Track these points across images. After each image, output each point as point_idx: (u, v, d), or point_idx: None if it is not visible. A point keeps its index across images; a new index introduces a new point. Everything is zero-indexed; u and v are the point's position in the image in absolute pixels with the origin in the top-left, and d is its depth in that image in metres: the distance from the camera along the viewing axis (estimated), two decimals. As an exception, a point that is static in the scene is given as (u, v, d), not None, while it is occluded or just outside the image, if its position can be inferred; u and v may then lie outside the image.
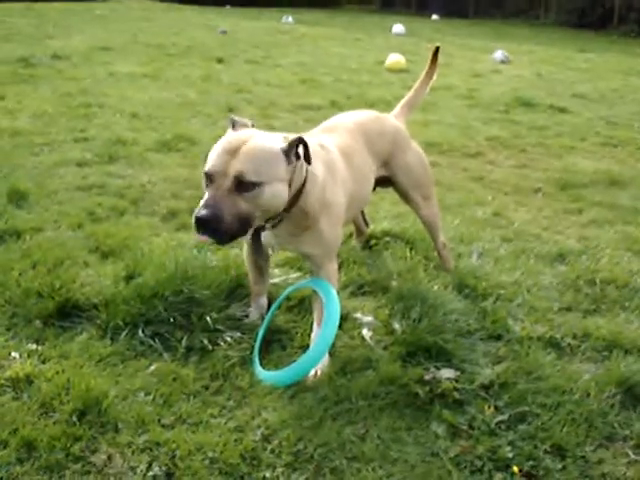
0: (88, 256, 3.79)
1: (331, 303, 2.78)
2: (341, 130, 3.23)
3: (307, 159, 2.59)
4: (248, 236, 2.70)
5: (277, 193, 2.54)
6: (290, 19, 22.14)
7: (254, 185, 2.46)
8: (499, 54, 14.25)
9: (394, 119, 3.60)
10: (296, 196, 2.69)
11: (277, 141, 2.59)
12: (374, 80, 10.70)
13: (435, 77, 3.84)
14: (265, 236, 2.85)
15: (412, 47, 15.75)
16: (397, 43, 16.85)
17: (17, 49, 11.95)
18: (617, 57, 16.71)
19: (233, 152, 2.50)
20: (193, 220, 2.45)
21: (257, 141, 2.55)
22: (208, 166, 2.53)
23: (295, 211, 2.73)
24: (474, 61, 14.02)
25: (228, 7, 29.14)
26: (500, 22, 27.71)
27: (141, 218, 4.45)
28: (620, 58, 16.49)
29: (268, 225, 2.76)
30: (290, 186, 2.62)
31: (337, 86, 10.05)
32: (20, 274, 3.42)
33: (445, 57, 13.82)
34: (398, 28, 19.74)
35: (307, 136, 2.90)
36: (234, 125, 2.70)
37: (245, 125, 2.71)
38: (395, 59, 12.07)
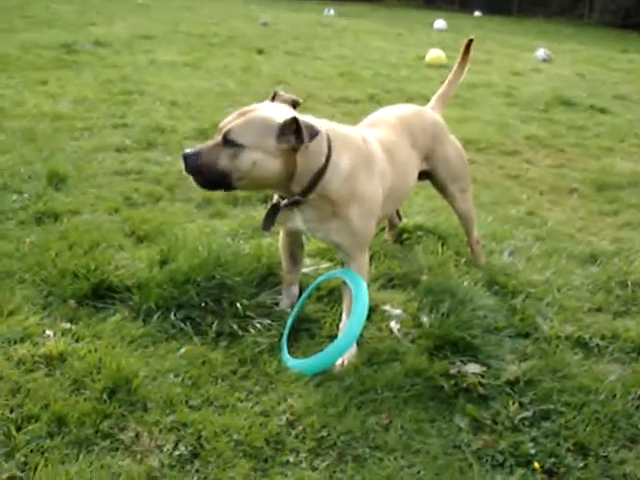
0: (123, 240, 3.87)
1: (360, 294, 2.81)
2: (384, 125, 3.27)
3: (300, 138, 2.59)
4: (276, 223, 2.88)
5: (258, 162, 2.60)
6: (332, 12, 22.12)
7: (235, 145, 2.58)
8: (541, 52, 14.10)
9: (433, 112, 3.61)
10: (313, 182, 2.74)
11: (281, 116, 2.63)
12: (413, 75, 10.67)
13: (467, 68, 3.82)
14: (295, 221, 2.90)
15: (453, 43, 15.62)
16: (438, 39, 16.74)
17: (60, 35, 12.12)
18: (662, 58, 16.43)
19: (241, 115, 2.65)
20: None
21: (261, 110, 2.68)
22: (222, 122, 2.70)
23: (315, 197, 2.77)
24: (515, 59, 13.89)
25: (270, -2, 29.18)
26: (543, 20, 27.40)
27: (176, 204, 4.51)
28: (665, 60, 16.22)
29: (283, 202, 2.82)
30: (292, 167, 2.66)
31: (376, 80, 10.04)
32: (57, 255, 3.50)
33: (486, 54, 13.81)
34: (440, 24, 19.63)
35: (342, 127, 2.94)
36: (274, 97, 2.80)
37: (285, 100, 2.78)
38: (435, 54, 12.02)
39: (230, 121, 2.65)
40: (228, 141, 2.59)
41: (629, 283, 3.72)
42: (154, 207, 4.42)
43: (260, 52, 12.16)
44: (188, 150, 2.66)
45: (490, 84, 10.19)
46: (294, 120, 2.59)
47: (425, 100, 8.64)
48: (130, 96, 7.55)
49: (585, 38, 20.42)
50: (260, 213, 4.34)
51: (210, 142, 2.66)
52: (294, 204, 2.82)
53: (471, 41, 3.75)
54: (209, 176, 2.64)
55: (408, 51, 13.83)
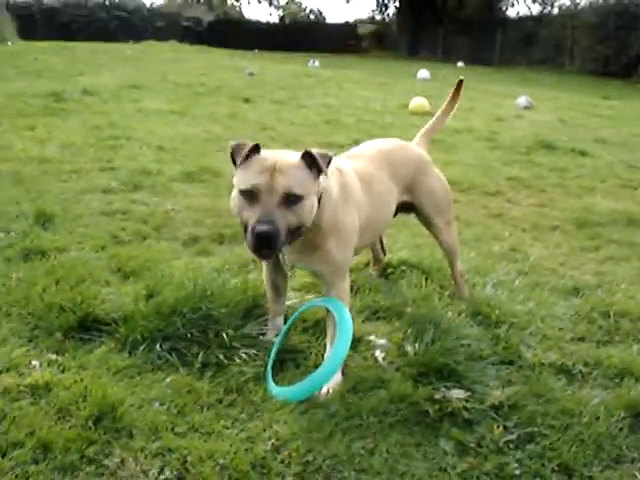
0: (110, 276, 3.89)
1: (343, 321, 2.83)
2: (362, 157, 3.34)
3: (319, 168, 2.67)
4: None
5: (314, 205, 2.69)
6: (317, 63, 22.53)
7: (299, 198, 2.61)
8: (522, 100, 14.37)
9: (417, 147, 3.69)
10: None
11: (294, 156, 2.72)
12: (397, 122, 10.84)
13: (456, 108, 3.92)
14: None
15: (436, 91, 15.92)
16: (422, 87, 17.05)
17: (49, 84, 12.30)
18: (641, 105, 16.79)
19: (272, 170, 2.61)
20: (252, 237, 2.56)
21: (290, 158, 2.69)
22: (250, 183, 2.61)
23: (310, 226, 2.80)
24: (497, 106, 14.16)
25: (256, 51, 29.70)
26: (525, 69, 27.96)
27: (163, 243, 4.55)
28: (644, 106, 16.57)
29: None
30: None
31: (361, 126, 10.20)
32: (44, 290, 3.51)
33: (468, 101, 14.03)
34: (423, 73, 20.01)
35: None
36: (237, 149, 2.73)
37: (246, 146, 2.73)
38: (419, 102, 12.23)
39: (266, 180, 2.59)
40: (292, 197, 2.60)
41: (611, 314, 3.76)
42: (140, 245, 4.45)
43: (246, 101, 12.36)
44: (263, 227, 2.52)
45: (472, 129, 10.37)
46: (309, 154, 2.66)
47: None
48: (117, 141, 7.64)
49: (566, 86, 20.83)
50: (245, 251, 4.37)
51: (264, 209, 2.57)
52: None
53: (462, 81, 3.86)
54: (284, 240, 2.61)
55: (392, 99, 14.06)
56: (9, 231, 4.43)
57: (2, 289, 3.60)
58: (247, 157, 2.69)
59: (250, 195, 2.62)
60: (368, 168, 3.26)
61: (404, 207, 3.58)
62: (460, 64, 29.08)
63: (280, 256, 2.94)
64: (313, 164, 2.67)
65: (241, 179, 2.67)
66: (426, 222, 3.71)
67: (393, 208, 3.43)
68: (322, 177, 2.75)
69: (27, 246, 4.17)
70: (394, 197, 3.40)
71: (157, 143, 7.67)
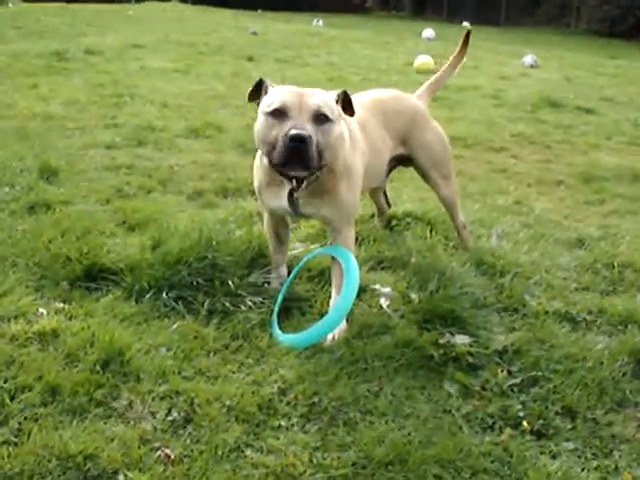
0: (115, 228, 3.90)
1: (350, 268, 2.85)
2: (359, 105, 3.32)
3: (351, 111, 2.77)
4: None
5: (341, 134, 2.74)
6: (320, 22, 22.31)
7: (328, 119, 2.65)
8: (528, 58, 14.25)
9: (414, 98, 3.67)
10: None
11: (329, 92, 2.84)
12: (402, 80, 10.73)
13: (463, 62, 3.88)
14: (282, 199, 2.94)
15: (441, 50, 15.74)
16: (427, 47, 16.86)
17: (51, 44, 12.21)
18: (648, 64, 16.61)
19: (300, 94, 2.70)
20: (284, 145, 2.59)
21: (317, 89, 2.80)
22: (280, 102, 2.67)
23: (325, 169, 2.81)
24: (503, 65, 14.04)
25: (259, 11, 29.40)
26: (531, 30, 27.65)
27: (168, 196, 4.56)
28: (651, 65, 16.40)
29: (303, 185, 2.84)
30: None
31: (365, 84, 10.08)
32: (49, 241, 3.52)
33: (473, 60, 13.89)
34: (428, 32, 19.81)
35: None
36: (260, 84, 2.85)
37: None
38: (423, 60, 12.12)
39: (296, 100, 2.66)
40: (321, 116, 2.65)
41: (615, 265, 3.77)
42: (145, 198, 4.46)
43: (250, 59, 12.27)
44: (296, 130, 2.57)
45: (478, 87, 10.29)
46: (345, 93, 2.78)
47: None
48: (121, 99, 7.61)
49: (572, 46, 20.62)
50: (250, 203, 4.40)
51: (295, 122, 2.61)
52: (311, 181, 2.84)
53: (469, 32, 3.82)
54: (314, 153, 2.63)
55: (396, 58, 13.95)
56: (14, 185, 4.42)
57: (8, 241, 3.61)
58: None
59: (280, 113, 2.65)
60: (363, 116, 3.25)
61: (402, 160, 3.57)
62: (466, 24, 28.72)
63: (294, 201, 2.92)
64: (343, 102, 2.76)
65: (269, 101, 2.72)
66: (424, 176, 3.69)
67: (386, 157, 3.42)
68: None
69: (32, 199, 4.17)
70: (387, 146, 3.39)
71: (161, 100, 7.63)
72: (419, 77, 11.14)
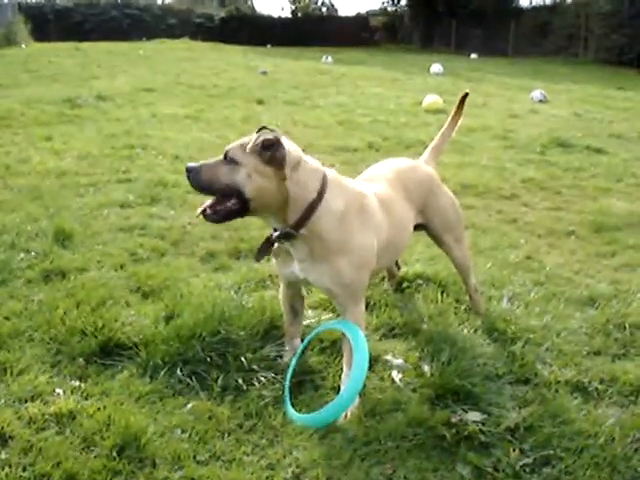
0: (129, 296, 3.95)
1: (359, 346, 2.87)
2: (381, 179, 3.37)
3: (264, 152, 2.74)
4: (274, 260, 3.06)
5: (252, 180, 2.73)
6: (330, 59, 22.53)
7: (233, 162, 2.75)
8: (537, 93, 14.33)
9: (426, 166, 3.72)
10: (306, 214, 2.83)
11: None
12: (411, 121, 10.85)
13: (461, 122, 3.93)
14: (292, 265, 3.00)
15: (450, 87, 15.91)
16: (435, 83, 17.03)
17: (64, 89, 12.44)
18: (657, 96, 16.65)
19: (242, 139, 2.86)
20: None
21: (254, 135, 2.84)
22: None
23: (307, 233, 2.85)
24: (512, 101, 14.11)
25: (269, 47, 29.72)
26: (539, 60, 27.79)
27: (181, 259, 4.61)
28: (660, 97, 16.44)
29: (276, 234, 2.90)
30: (284, 191, 2.78)
31: (374, 127, 10.22)
32: (65, 313, 3.58)
33: (483, 97, 14.03)
34: (436, 67, 19.96)
35: (343, 177, 3.05)
36: (259, 131, 2.90)
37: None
38: (432, 100, 12.21)
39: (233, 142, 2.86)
40: (228, 159, 2.78)
41: (627, 325, 3.78)
42: (159, 262, 4.51)
43: (260, 102, 12.40)
44: (191, 164, 2.85)
45: (487, 127, 10.35)
46: (258, 137, 2.76)
47: (423, 146, 8.78)
48: (133, 150, 7.71)
49: (580, 77, 20.70)
50: (262, 266, 4.44)
51: (211, 160, 2.85)
52: (285, 237, 2.89)
53: (466, 95, 3.87)
54: (205, 182, 2.79)
55: (405, 97, 14.05)
56: (29, 250, 4.50)
57: (25, 313, 3.67)
58: None
59: None
60: (388, 191, 3.29)
61: (416, 227, 3.61)
62: (474, 56, 28.97)
63: (289, 266, 3.03)
64: (267, 149, 2.75)
65: None
66: (437, 240, 3.75)
67: (411, 229, 3.46)
68: (306, 177, 2.83)
69: (47, 267, 4.24)
70: (410, 219, 3.43)
71: (172, 151, 7.73)
72: (428, 117, 11.27)
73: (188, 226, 5.22)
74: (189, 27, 37.52)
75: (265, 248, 2.98)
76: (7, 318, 3.60)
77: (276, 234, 2.91)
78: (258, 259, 3.02)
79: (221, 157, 2.80)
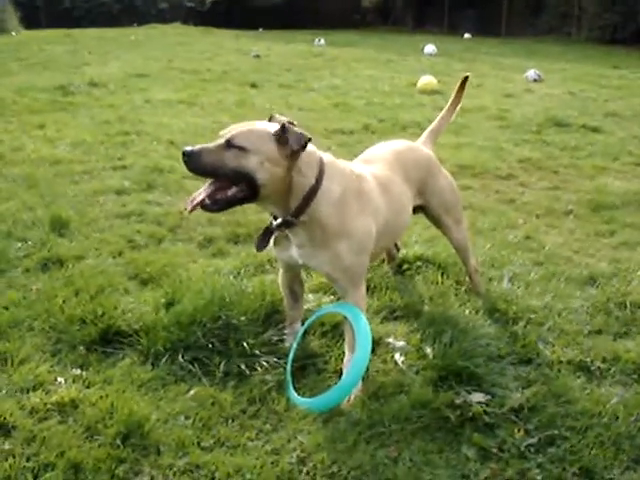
0: (128, 283, 3.93)
1: (361, 330, 2.86)
2: (379, 161, 3.35)
3: (283, 141, 2.71)
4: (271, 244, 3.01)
5: (265, 167, 2.70)
6: (322, 41, 22.35)
7: (240, 148, 2.69)
8: (532, 73, 14.24)
9: (425, 148, 3.69)
10: (305, 201, 2.82)
11: (274, 126, 2.78)
12: (406, 102, 10.78)
13: (460, 105, 3.91)
14: (291, 250, 2.99)
15: (444, 67, 15.83)
16: (429, 64, 16.92)
17: (56, 77, 12.32)
18: (651, 73, 16.60)
19: (242, 126, 2.79)
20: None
21: (260, 123, 2.83)
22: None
23: (306, 219, 2.84)
24: (506, 80, 14.04)
25: (260, 30, 29.50)
26: (532, 40, 27.64)
27: (178, 245, 4.59)
28: (654, 74, 16.38)
29: (275, 223, 2.89)
30: (290, 179, 2.77)
31: (369, 109, 10.16)
32: (64, 301, 3.57)
33: (477, 77, 13.94)
34: (430, 48, 19.82)
35: (339, 160, 3.03)
36: (270, 119, 2.91)
37: (280, 122, 2.83)
38: (427, 80, 12.14)
39: (232, 129, 2.77)
40: (232, 145, 2.70)
41: (628, 304, 3.77)
42: (157, 248, 4.49)
43: (253, 86, 12.31)
44: (188, 147, 2.74)
45: (483, 108, 10.29)
46: (283, 127, 2.72)
47: (419, 127, 8.77)
48: (128, 137, 7.65)
49: (574, 56, 20.60)
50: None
51: (210, 144, 2.75)
52: (286, 225, 2.88)
53: (466, 78, 3.84)
54: (206, 166, 2.71)
55: (399, 78, 13.96)
56: (26, 240, 4.47)
57: (23, 302, 3.65)
58: None
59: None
60: (386, 172, 3.27)
61: (414, 209, 3.59)
62: (467, 36, 28.77)
63: (288, 251, 3.02)
64: (284, 138, 2.72)
65: None
66: (436, 222, 3.74)
67: (410, 210, 3.45)
68: (305, 164, 2.80)
69: (45, 255, 4.22)
70: (409, 200, 3.41)
71: (167, 137, 7.68)
72: (422, 98, 11.21)
73: (185, 212, 5.17)
74: (180, 12, 37.18)
75: (265, 237, 2.96)
76: (6, 308, 3.59)
77: (276, 223, 2.89)
78: (259, 249, 2.98)
79: (220, 142, 2.73)
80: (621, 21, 25.38)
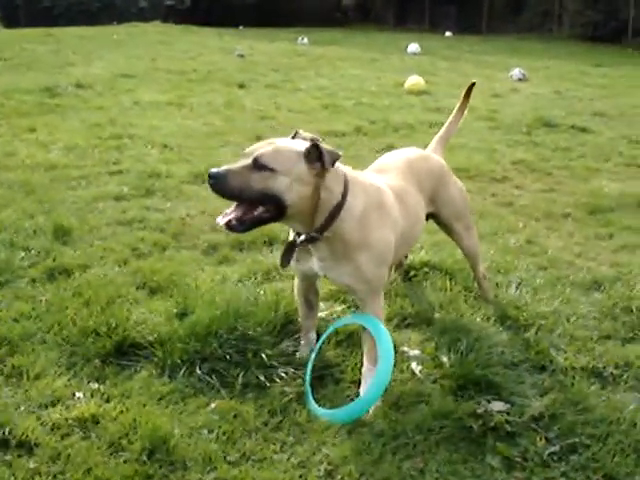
0: (136, 293, 3.91)
1: (383, 341, 2.88)
2: (393, 171, 3.35)
3: (322, 163, 2.71)
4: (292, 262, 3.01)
5: (293, 188, 2.69)
6: (305, 40, 22.34)
7: (268, 169, 2.66)
8: (516, 72, 14.36)
9: (436, 156, 3.71)
10: (330, 218, 2.82)
11: (301, 145, 2.77)
12: (395, 103, 10.81)
13: (466, 112, 3.95)
14: (311, 262, 2.99)
15: (429, 67, 15.92)
16: (413, 63, 16.99)
17: (40, 78, 12.21)
18: (634, 71, 16.77)
19: (268, 144, 2.76)
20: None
21: (285, 141, 2.82)
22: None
23: (330, 235, 2.84)
24: (492, 80, 14.11)
25: (241, 28, 29.41)
26: (514, 37, 27.82)
27: (183, 252, 4.57)
28: (637, 72, 16.56)
29: (300, 238, 2.88)
30: (317, 197, 2.76)
31: (359, 110, 10.18)
32: (75, 313, 3.55)
33: (463, 77, 14.03)
34: (413, 47, 19.89)
35: (358, 172, 3.05)
36: (295, 136, 2.92)
37: (305, 139, 2.86)
38: (414, 81, 12.18)
39: (257, 148, 2.74)
40: (259, 165, 2.67)
41: (633, 309, 3.82)
42: (162, 256, 4.47)
43: (241, 86, 12.28)
44: (214, 169, 2.68)
45: (471, 108, 10.17)
46: (315, 146, 2.71)
47: (410, 129, 8.81)
48: (120, 140, 7.61)
49: (557, 53, 20.77)
50: (266, 257, 4.45)
51: (237, 164, 2.71)
52: (310, 241, 2.88)
53: (473, 85, 3.87)
54: (233, 190, 2.67)
55: (386, 77, 14.00)
56: (29, 249, 4.43)
57: (33, 314, 3.63)
58: None
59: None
60: (400, 182, 3.28)
61: (426, 217, 3.61)
62: (448, 34, 28.89)
63: (307, 264, 3.02)
64: (315, 157, 2.72)
65: None
66: (446, 229, 3.76)
67: (424, 220, 3.47)
68: (332, 181, 2.80)
69: (50, 265, 4.18)
70: (423, 209, 3.43)
71: (161, 140, 7.64)
72: (411, 99, 11.25)
73: (187, 218, 5.18)
74: (160, 10, 36.95)
75: (289, 252, 2.95)
76: (16, 320, 3.55)
77: (301, 239, 2.88)
78: (284, 265, 2.98)
79: (246, 162, 2.70)
80: (602, 18, 25.60)
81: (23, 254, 4.36)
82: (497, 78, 14.41)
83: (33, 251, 4.40)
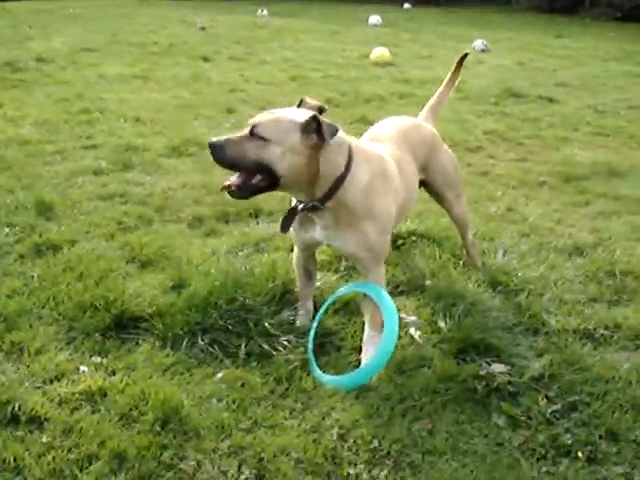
0: (127, 267, 3.90)
1: (387, 308, 2.93)
2: (388, 140, 3.37)
3: (321, 135, 2.71)
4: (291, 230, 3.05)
5: (285, 158, 2.71)
6: (265, 12, 22.14)
7: (262, 138, 2.70)
8: (479, 43, 14.46)
9: (428, 124, 3.75)
10: (333, 188, 2.83)
11: (304, 116, 2.77)
12: (362, 75, 10.82)
13: (458, 81, 4.00)
14: (314, 230, 3.02)
15: (392, 38, 15.93)
16: (375, 34, 16.98)
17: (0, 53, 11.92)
18: (593, 42, 17.02)
19: (269, 114, 2.81)
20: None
21: (285, 111, 2.83)
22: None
23: (333, 204, 2.87)
24: (455, 51, 14.03)
25: None
26: (473, 10, 27.91)
27: (169, 226, 4.56)
28: (596, 43, 16.81)
29: (301, 206, 2.91)
30: (314, 168, 2.77)
31: (328, 82, 10.17)
32: (68, 288, 3.53)
33: (426, 48, 14.11)
34: (374, 19, 19.85)
35: (362, 141, 3.08)
36: (301, 103, 2.93)
37: (312, 107, 2.88)
38: (379, 52, 12.19)
39: (254, 119, 2.78)
40: (255, 135, 2.72)
41: (617, 273, 3.93)
42: (148, 230, 4.45)
43: (205, 59, 12.15)
44: (214, 139, 2.74)
45: (438, 79, 10.23)
46: (315, 118, 2.72)
47: (381, 100, 8.84)
48: (91, 115, 7.49)
49: (516, 25, 20.94)
50: (252, 229, 4.46)
51: (237, 134, 2.77)
52: (311, 209, 2.91)
53: (465, 55, 3.91)
54: (230, 157, 2.72)
55: (350, 50, 13.97)
56: (13, 225, 4.37)
57: (25, 290, 3.59)
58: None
59: None
60: (397, 151, 3.31)
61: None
62: (407, 5, 28.86)
63: (311, 232, 3.05)
64: (312, 128, 2.72)
65: None
66: (438, 197, 3.81)
67: (417, 188, 3.51)
68: (334, 152, 2.80)
69: (36, 241, 4.13)
70: (417, 178, 3.47)
71: (132, 114, 7.55)
72: (377, 70, 11.26)
73: (169, 191, 5.16)
74: (113, -19, 36.20)
75: (290, 219, 2.97)
76: (9, 296, 3.51)
77: (302, 206, 2.91)
78: (284, 230, 2.99)
79: (245, 131, 2.74)
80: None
81: (7, 230, 4.30)
82: (460, 49, 14.39)
83: (17, 227, 4.35)
